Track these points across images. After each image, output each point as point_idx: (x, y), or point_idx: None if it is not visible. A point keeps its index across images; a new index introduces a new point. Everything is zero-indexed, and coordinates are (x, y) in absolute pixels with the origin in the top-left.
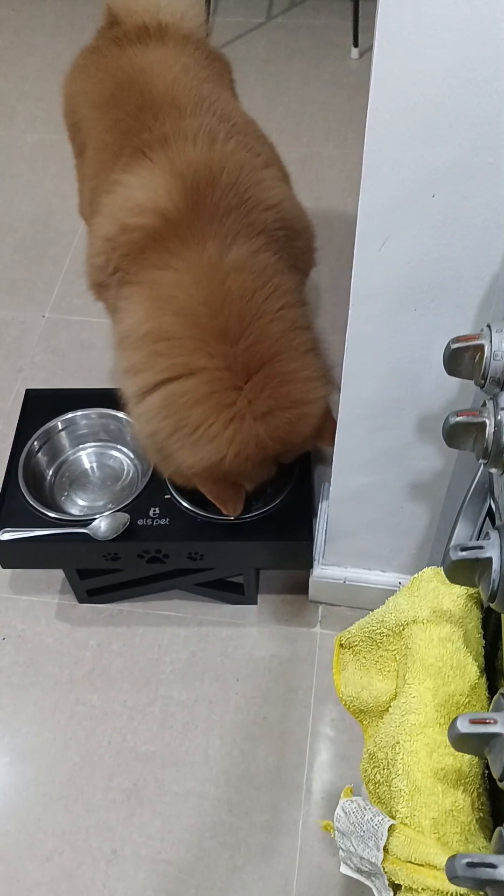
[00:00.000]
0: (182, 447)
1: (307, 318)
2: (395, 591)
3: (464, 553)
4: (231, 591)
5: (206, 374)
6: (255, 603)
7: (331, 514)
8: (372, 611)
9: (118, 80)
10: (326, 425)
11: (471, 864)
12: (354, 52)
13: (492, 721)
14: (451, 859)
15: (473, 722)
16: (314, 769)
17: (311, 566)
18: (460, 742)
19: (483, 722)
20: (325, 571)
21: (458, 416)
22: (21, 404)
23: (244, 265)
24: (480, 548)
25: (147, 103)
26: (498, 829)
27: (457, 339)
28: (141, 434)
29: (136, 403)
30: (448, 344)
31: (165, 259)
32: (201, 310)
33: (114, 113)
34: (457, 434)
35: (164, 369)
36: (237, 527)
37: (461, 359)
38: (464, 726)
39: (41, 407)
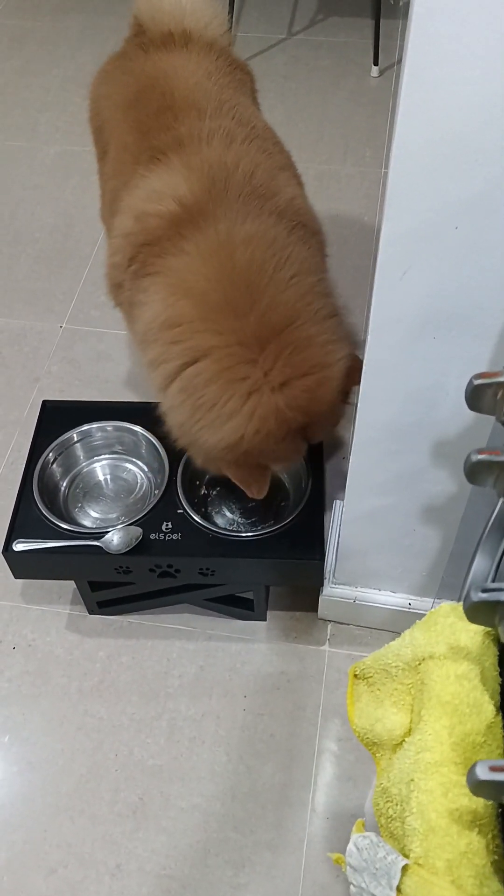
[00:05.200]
0: (202, 429)
1: (326, 284)
2: (406, 611)
3: (485, 595)
4: (241, 606)
5: (218, 352)
6: (265, 619)
7: (343, 533)
8: (381, 630)
9: (142, 84)
10: (351, 377)
11: None
12: (374, 71)
13: None
14: None
15: (494, 769)
16: (320, 788)
17: (321, 584)
18: (479, 788)
19: (503, 769)
20: (335, 590)
21: (479, 454)
22: (37, 414)
23: (254, 238)
24: (501, 590)
25: (168, 105)
26: None
27: (479, 376)
28: (172, 427)
29: (162, 397)
30: (470, 380)
31: (180, 244)
32: (209, 287)
33: (135, 114)
34: (478, 472)
35: (178, 355)
36: (249, 544)
37: (483, 395)
38: (483, 773)
39: (57, 418)
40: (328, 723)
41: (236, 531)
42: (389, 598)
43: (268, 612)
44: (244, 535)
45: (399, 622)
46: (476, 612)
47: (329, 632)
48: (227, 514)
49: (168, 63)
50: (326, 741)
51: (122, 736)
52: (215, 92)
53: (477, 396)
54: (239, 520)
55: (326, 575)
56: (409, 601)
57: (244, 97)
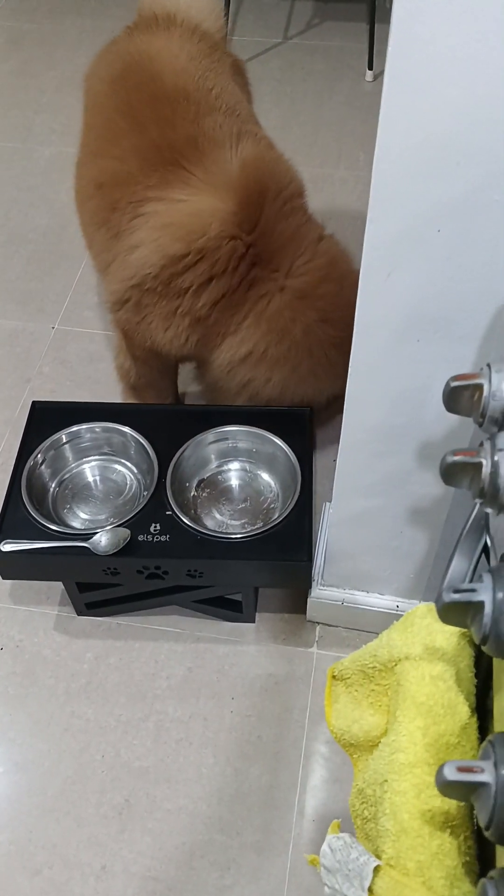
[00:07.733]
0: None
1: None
2: (393, 613)
3: (456, 595)
4: (229, 608)
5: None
6: (253, 621)
7: (330, 535)
8: (368, 632)
9: (127, 62)
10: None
11: None
12: (369, 75)
13: (479, 770)
14: None
15: (461, 770)
16: (307, 790)
17: (309, 587)
18: (447, 788)
19: (470, 770)
20: (323, 592)
21: (455, 455)
22: (27, 415)
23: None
24: (473, 590)
25: (160, 93)
26: (482, 880)
27: (456, 378)
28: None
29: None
30: (447, 382)
31: (268, 277)
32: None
33: (124, 94)
34: (453, 473)
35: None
36: (237, 545)
37: (460, 397)
38: (451, 774)
39: (47, 419)
40: (316, 725)
41: (225, 533)
42: (377, 601)
43: (256, 614)
44: (232, 536)
45: (387, 624)
46: (448, 613)
47: (317, 634)
48: (217, 515)
49: (150, 46)
50: (314, 743)
51: (108, 737)
52: (201, 77)
53: (454, 398)
54: (228, 521)
55: (314, 577)
56: (397, 603)
57: (225, 78)
